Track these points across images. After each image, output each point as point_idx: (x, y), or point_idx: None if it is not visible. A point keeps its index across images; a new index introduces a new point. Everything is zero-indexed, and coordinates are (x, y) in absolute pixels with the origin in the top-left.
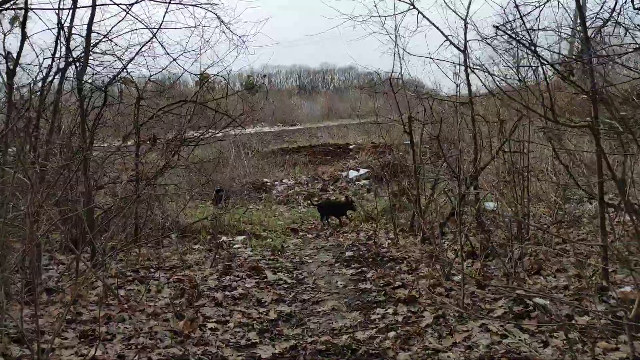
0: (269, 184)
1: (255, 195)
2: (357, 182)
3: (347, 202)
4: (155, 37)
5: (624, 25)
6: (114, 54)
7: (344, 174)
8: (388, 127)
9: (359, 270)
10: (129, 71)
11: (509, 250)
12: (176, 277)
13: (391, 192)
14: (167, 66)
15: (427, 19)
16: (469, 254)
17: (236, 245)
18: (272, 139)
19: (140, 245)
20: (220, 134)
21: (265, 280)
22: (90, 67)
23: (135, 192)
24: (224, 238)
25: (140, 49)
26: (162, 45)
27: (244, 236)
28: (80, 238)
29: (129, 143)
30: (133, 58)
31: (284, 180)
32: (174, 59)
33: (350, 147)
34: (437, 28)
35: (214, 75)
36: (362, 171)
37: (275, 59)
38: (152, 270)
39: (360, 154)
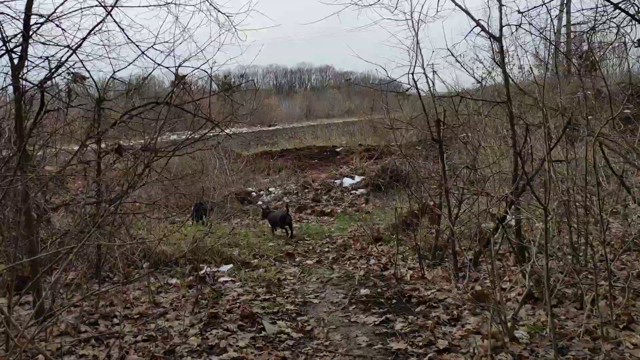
0: (254, 194)
1: (240, 208)
2: (352, 192)
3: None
4: (111, 16)
5: None
6: (58, 44)
7: (338, 181)
8: (374, 127)
9: (382, 317)
10: (86, 68)
11: (578, 291)
12: (146, 332)
13: (407, 211)
14: (134, 60)
15: (454, 1)
16: (526, 297)
17: (222, 279)
18: (251, 141)
19: (101, 282)
20: (200, 141)
21: (263, 333)
22: (30, 60)
23: (96, 215)
24: (207, 268)
25: (90, 31)
26: (119, 27)
27: (231, 265)
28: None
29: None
30: (80, 44)
31: (270, 189)
32: (143, 52)
33: (338, 149)
34: (466, 11)
35: (194, 69)
36: (358, 178)
37: (250, 59)
38: (116, 319)
39: (355, 160)
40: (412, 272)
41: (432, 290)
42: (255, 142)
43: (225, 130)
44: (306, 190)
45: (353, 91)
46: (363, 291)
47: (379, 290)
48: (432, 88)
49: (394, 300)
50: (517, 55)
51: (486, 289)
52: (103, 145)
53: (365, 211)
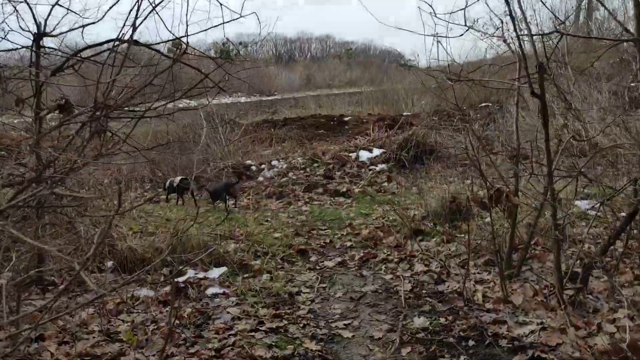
0: (254, 168)
1: (238, 185)
2: (371, 167)
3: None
4: None
5: None
6: None
7: (353, 155)
8: (383, 96)
9: None
10: None
11: None
12: None
13: (473, 199)
14: None
15: None
16: None
17: (211, 291)
18: (250, 110)
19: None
20: (183, 103)
21: None
22: None
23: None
24: (190, 273)
25: None
26: None
27: (224, 269)
28: None
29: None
30: None
31: (273, 163)
32: None
33: (346, 119)
34: None
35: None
36: (377, 151)
37: (249, 28)
38: None
39: (371, 129)
40: (484, 288)
41: (530, 326)
42: (254, 111)
43: (223, 89)
44: (315, 164)
45: (354, 61)
46: (418, 321)
47: (442, 320)
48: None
49: (471, 341)
50: None
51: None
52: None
53: (390, 192)
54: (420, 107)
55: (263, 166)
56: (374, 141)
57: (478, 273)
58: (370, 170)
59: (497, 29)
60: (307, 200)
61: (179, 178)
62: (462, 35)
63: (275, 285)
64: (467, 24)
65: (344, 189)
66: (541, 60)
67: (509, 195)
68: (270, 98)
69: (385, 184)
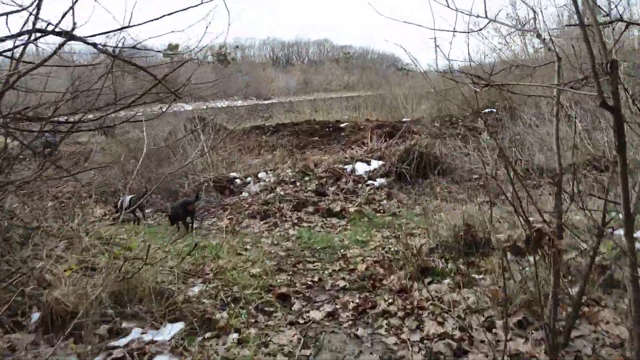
0: (238, 181)
1: (219, 201)
2: (369, 182)
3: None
4: None
5: None
6: None
7: (348, 167)
8: (381, 101)
9: None
10: None
11: None
12: None
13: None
14: None
15: None
16: None
17: None
18: (245, 114)
19: None
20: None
21: None
22: None
23: None
24: (135, 333)
25: None
26: None
27: (180, 326)
28: None
29: None
30: None
31: (260, 175)
32: None
33: (342, 125)
34: None
35: None
36: (375, 164)
37: (248, 31)
38: None
39: (369, 139)
40: None
41: None
42: (249, 115)
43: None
44: (307, 178)
45: (351, 65)
46: None
47: None
48: None
49: None
50: None
51: None
52: None
53: (390, 212)
54: (420, 112)
55: (249, 179)
56: (372, 152)
57: (511, 339)
58: (367, 185)
59: (528, 21)
60: (296, 221)
61: (128, 197)
62: (482, 29)
63: (243, 356)
64: (488, 17)
65: (338, 208)
66: (609, 58)
67: (552, 237)
68: (266, 102)
69: (385, 201)
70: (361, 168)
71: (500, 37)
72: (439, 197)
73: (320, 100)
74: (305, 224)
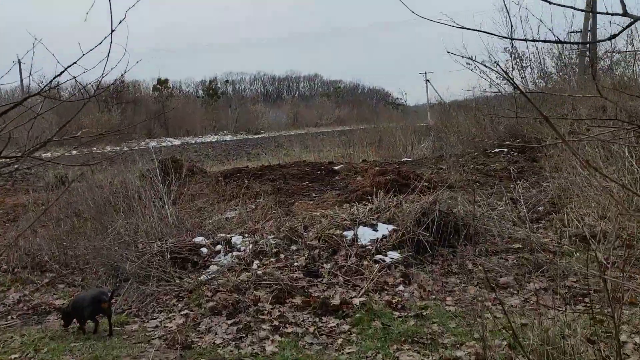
0: (204, 250)
1: (174, 282)
2: (378, 258)
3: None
4: None
5: None
6: None
7: (349, 234)
8: (377, 137)
9: None
10: None
11: None
12: None
13: None
14: None
15: None
16: None
17: None
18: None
19: None
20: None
21: None
22: None
23: None
24: None
25: None
26: None
27: None
28: None
29: None
30: None
31: (234, 240)
32: None
33: (336, 168)
34: None
35: None
36: (383, 229)
37: (240, 65)
38: None
39: (374, 193)
40: None
41: None
42: (236, 150)
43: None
44: (294, 247)
45: (342, 100)
46: None
47: None
48: None
49: None
50: None
51: None
52: None
53: (413, 309)
54: (420, 151)
55: (219, 247)
56: (378, 212)
57: None
58: (376, 262)
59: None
60: (277, 323)
61: (90, 295)
62: None
63: None
64: None
65: (337, 300)
66: None
67: None
68: (256, 136)
69: (401, 288)
70: (365, 235)
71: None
72: (474, 280)
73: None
74: (290, 330)
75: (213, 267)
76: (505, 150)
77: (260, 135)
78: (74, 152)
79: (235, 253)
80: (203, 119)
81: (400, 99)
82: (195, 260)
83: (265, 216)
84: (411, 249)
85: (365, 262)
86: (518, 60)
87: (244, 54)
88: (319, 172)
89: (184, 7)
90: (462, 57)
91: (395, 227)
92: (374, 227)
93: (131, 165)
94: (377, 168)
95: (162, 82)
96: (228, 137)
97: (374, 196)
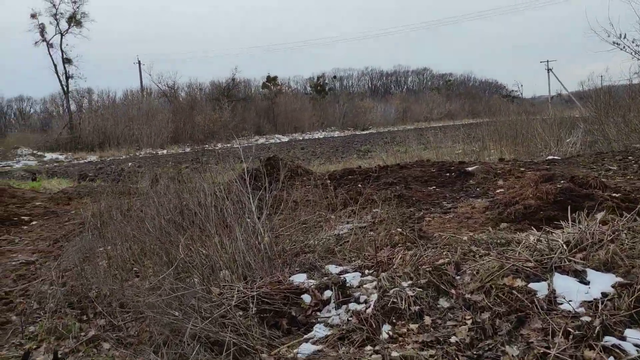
0: (307, 297)
1: (264, 351)
2: (610, 342)
3: None
4: None
5: None
6: None
7: (539, 287)
8: (514, 132)
9: None
10: None
11: None
12: None
13: None
14: None
15: None
16: None
17: None
18: (341, 145)
19: None
20: None
21: None
22: None
23: None
24: None
25: None
26: None
27: None
28: None
29: None
30: None
31: (349, 279)
32: None
33: (469, 169)
34: None
35: None
36: (600, 280)
37: (347, 61)
38: None
39: (574, 220)
40: None
41: None
42: (344, 148)
43: None
44: (443, 300)
45: (452, 93)
46: None
47: None
48: None
49: None
50: None
51: None
52: None
53: None
54: (565, 147)
55: (328, 293)
56: (580, 248)
57: None
58: (606, 350)
59: None
60: None
61: None
62: None
63: None
64: None
65: None
66: None
67: None
68: (364, 132)
69: None
70: (570, 291)
71: None
72: None
73: (428, 129)
74: None
75: (319, 330)
76: None
77: (368, 131)
78: (188, 149)
79: (352, 306)
80: (311, 116)
81: (516, 90)
82: (294, 314)
83: (391, 239)
84: None
85: (589, 353)
86: None
87: (350, 48)
88: (447, 175)
89: (290, 5)
90: (609, 35)
91: (622, 280)
92: (580, 277)
93: (233, 162)
94: (528, 171)
95: (271, 80)
96: (336, 134)
97: (539, 212)
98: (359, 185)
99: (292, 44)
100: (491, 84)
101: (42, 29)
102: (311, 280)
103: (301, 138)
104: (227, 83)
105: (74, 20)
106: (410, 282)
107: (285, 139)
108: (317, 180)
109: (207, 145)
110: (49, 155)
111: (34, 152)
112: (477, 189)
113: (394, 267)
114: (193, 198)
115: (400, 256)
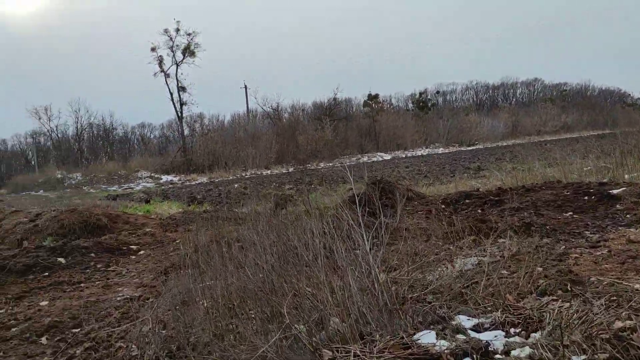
0: None
1: None
2: None
3: None
4: None
5: None
6: None
7: None
8: None
9: None
10: None
11: None
12: None
13: None
14: None
15: None
16: None
17: None
18: (447, 163)
19: None
20: None
21: None
22: None
23: None
24: None
25: None
26: None
27: None
28: None
29: None
30: None
31: (492, 342)
32: None
33: (614, 192)
34: None
35: None
36: None
37: (450, 76)
38: None
39: None
40: None
41: None
42: (450, 166)
43: None
44: None
45: (568, 104)
46: None
47: None
48: None
49: None
50: None
51: None
52: None
53: None
54: None
55: None
56: None
57: None
58: None
59: None
60: None
61: None
62: None
63: None
64: None
65: None
66: None
67: None
68: (470, 148)
69: None
70: None
71: None
72: None
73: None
74: None
75: None
76: None
77: (474, 147)
78: (291, 169)
79: None
80: (413, 132)
81: None
82: None
83: (534, 283)
84: None
85: None
86: None
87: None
88: (585, 198)
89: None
90: None
91: None
92: None
93: (335, 186)
94: None
95: (372, 98)
96: (440, 150)
97: None
98: (479, 211)
99: (393, 59)
100: (613, 92)
101: (160, 61)
102: (442, 342)
103: (404, 155)
104: (328, 102)
105: (188, 51)
106: (584, 357)
107: (387, 156)
108: (430, 205)
109: (309, 165)
110: (164, 177)
111: (152, 174)
112: (628, 216)
113: (550, 327)
114: (300, 239)
115: (556, 311)
